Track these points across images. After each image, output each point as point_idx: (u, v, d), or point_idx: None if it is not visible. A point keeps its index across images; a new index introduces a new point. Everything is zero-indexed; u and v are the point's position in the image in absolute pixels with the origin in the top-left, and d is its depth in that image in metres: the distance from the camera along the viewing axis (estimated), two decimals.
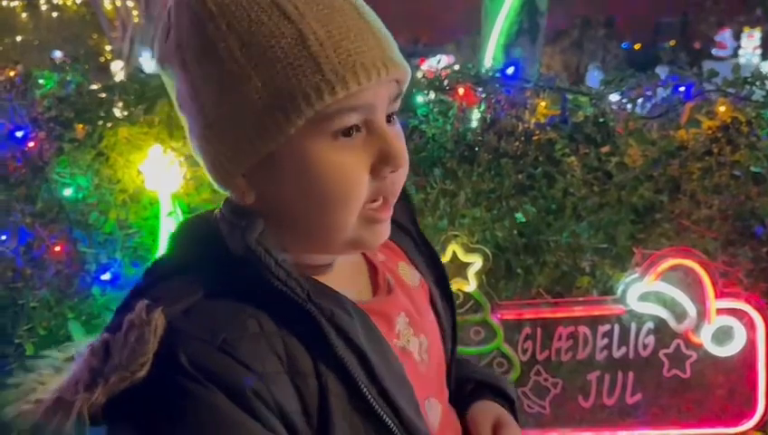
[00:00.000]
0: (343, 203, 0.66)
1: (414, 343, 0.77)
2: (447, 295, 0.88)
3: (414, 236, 0.88)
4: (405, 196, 0.82)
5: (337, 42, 0.62)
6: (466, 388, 0.89)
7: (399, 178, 0.70)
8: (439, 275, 0.88)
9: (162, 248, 2.27)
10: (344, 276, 0.75)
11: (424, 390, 0.75)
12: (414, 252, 0.87)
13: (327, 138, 0.64)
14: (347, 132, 0.65)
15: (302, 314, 0.64)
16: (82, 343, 0.66)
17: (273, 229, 0.67)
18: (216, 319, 0.63)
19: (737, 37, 12.65)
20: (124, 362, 0.60)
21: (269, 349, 0.63)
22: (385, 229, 0.71)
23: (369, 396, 0.65)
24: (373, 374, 0.66)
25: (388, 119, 0.69)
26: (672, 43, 15.51)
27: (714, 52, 13.19)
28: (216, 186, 0.70)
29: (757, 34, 12.06)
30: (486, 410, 0.85)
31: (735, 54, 12.39)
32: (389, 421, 0.66)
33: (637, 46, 15.21)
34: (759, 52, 11.94)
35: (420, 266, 0.87)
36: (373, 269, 0.80)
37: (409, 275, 0.84)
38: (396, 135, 0.68)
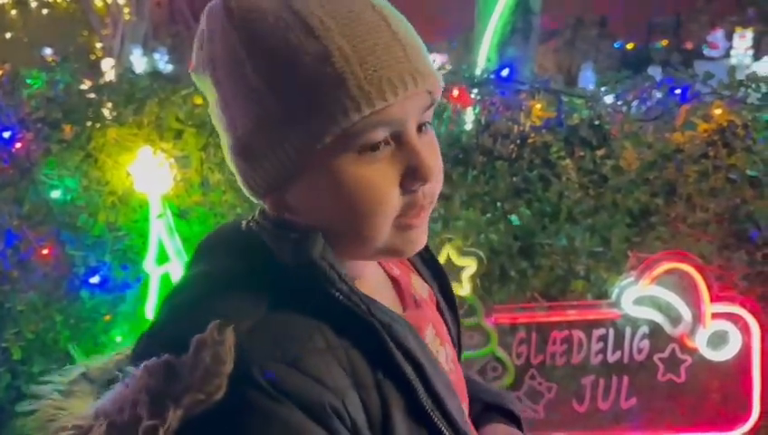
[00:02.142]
0: (372, 218, 0.64)
1: (442, 354, 0.78)
2: (451, 304, 0.87)
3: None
4: None
5: (363, 57, 0.61)
6: (475, 408, 0.88)
7: (432, 188, 0.67)
8: (443, 284, 0.87)
9: (152, 251, 2.24)
10: (375, 291, 0.73)
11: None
12: (419, 263, 0.87)
13: (354, 153, 0.63)
14: (374, 147, 0.63)
15: (364, 327, 0.64)
16: (81, 366, 0.66)
17: None
18: (284, 335, 0.62)
19: (729, 37, 12.66)
20: (197, 383, 0.57)
21: (336, 363, 0.62)
22: (418, 235, 0.69)
23: (427, 407, 0.66)
24: (429, 384, 0.66)
25: (420, 128, 0.67)
26: (664, 42, 15.51)
27: (706, 52, 13.20)
28: (249, 196, 0.69)
29: (749, 35, 12.05)
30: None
31: (727, 55, 12.40)
32: (445, 431, 0.67)
33: (629, 46, 15.21)
34: (751, 52, 11.95)
35: (426, 277, 0.86)
36: (396, 284, 0.79)
37: (419, 287, 0.84)
38: (427, 146, 0.66)
